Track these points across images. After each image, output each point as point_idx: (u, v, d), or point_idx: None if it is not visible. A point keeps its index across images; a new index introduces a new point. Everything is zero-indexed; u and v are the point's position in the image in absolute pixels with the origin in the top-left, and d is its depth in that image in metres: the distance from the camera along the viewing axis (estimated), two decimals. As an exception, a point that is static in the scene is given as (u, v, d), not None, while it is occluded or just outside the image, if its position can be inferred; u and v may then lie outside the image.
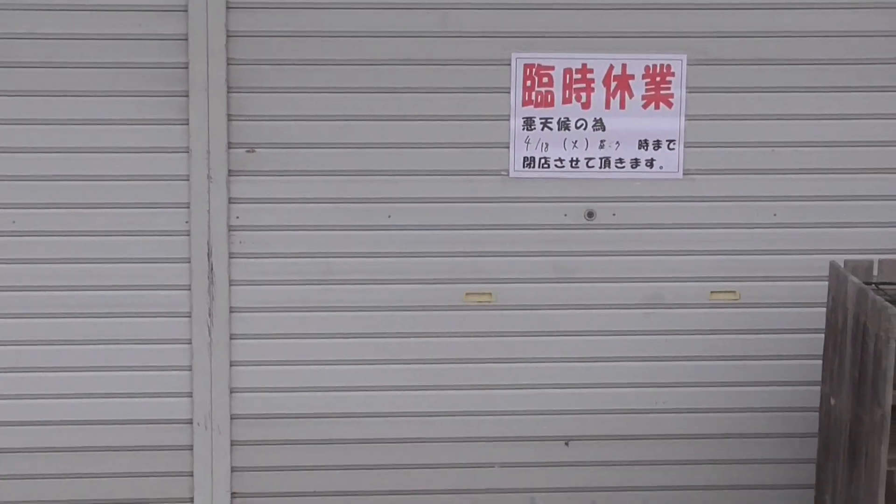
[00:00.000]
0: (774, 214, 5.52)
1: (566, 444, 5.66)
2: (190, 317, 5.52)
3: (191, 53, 5.48)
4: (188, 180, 5.49)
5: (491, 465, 5.61)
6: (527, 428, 5.68)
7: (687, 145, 5.42)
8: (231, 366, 5.66)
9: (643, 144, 5.43)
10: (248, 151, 5.35)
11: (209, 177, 5.42)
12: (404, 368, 5.60)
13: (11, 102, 5.41)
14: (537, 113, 5.42)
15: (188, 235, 5.48)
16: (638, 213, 5.51)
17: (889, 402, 4.49)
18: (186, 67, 5.55)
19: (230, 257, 5.52)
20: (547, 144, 5.41)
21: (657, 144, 5.43)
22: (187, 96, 5.51)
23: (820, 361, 5.30)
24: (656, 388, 5.71)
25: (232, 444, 5.67)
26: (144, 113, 5.55)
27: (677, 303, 5.57)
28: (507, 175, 5.48)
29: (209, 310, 5.46)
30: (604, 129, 5.42)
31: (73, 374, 5.54)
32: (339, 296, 5.55)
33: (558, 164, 5.49)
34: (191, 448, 5.57)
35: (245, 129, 5.38)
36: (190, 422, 5.57)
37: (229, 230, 5.46)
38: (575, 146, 5.43)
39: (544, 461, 5.73)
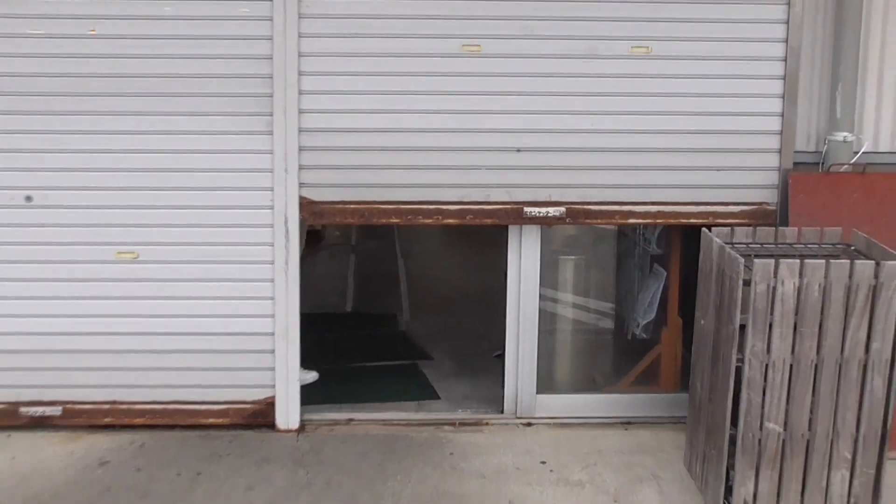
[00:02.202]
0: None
1: (518, 150, 5.60)
2: (273, 264, 5.56)
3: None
4: (272, 172, 5.51)
5: (478, 167, 5.59)
6: (497, 141, 5.56)
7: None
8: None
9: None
10: None
11: (286, 170, 5.48)
12: (419, 97, 5.51)
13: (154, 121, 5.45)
14: None
15: (271, 209, 5.52)
16: None
17: (738, 321, 4.74)
18: (271, 96, 5.48)
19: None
20: None
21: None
22: (272, 115, 5.48)
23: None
24: (591, 115, 5.57)
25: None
26: (241, 126, 5.50)
27: (607, 55, 5.52)
28: None
29: (286, 259, 5.55)
30: None
31: (191, 301, 5.61)
32: (373, 45, 5.48)
33: None
34: (272, 352, 5.64)
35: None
36: (272, 334, 5.63)
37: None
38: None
39: (510, 164, 5.59)
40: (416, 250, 8.63)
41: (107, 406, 5.65)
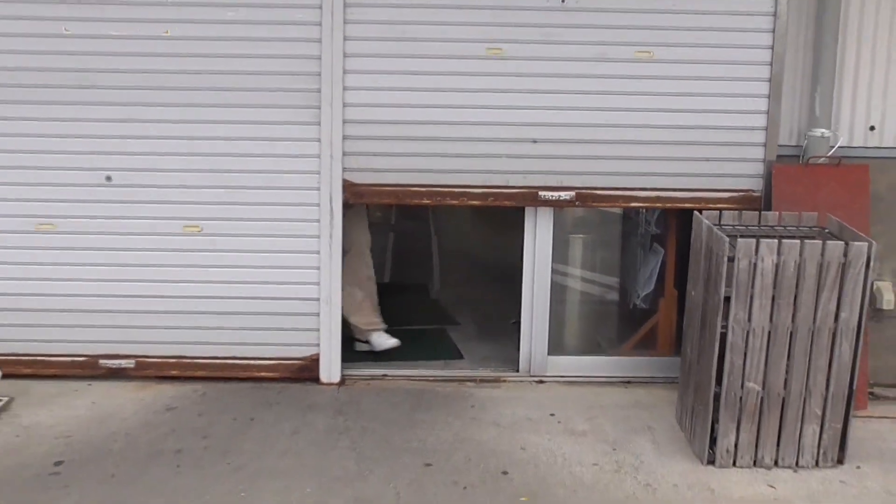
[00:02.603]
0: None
1: (534, 141, 5.60)
2: (318, 238, 5.59)
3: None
4: (319, 158, 5.54)
5: (499, 156, 5.62)
6: (516, 133, 5.59)
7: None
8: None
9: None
10: None
11: (331, 156, 5.53)
12: (448, 94, 5.55)
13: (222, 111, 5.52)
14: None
15: (318, 190, 5.56)
16: (594, 1, 5.48)
17: (723, 292, 4.77)
18: (319, 91, 5.51)
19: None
20: None
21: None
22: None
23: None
24: (599, 111, 5.58)
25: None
26: (293, 118, 5.54)
27: (614, 58, 5.52)
28: None
29: (330, 234, 5.59)
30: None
31: (247, 270, 5.64)
32: (409, 48, 5.50)
33: None
34: (317, 315, 5.67)
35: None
36: (318, 300, 5.66)
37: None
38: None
39: (527, 154, 5.61)
40: (447, 230, 8.55)
41: (173, 360, 5.71)
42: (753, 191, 5.72)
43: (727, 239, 4.80)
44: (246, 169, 5.60)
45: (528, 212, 5.81)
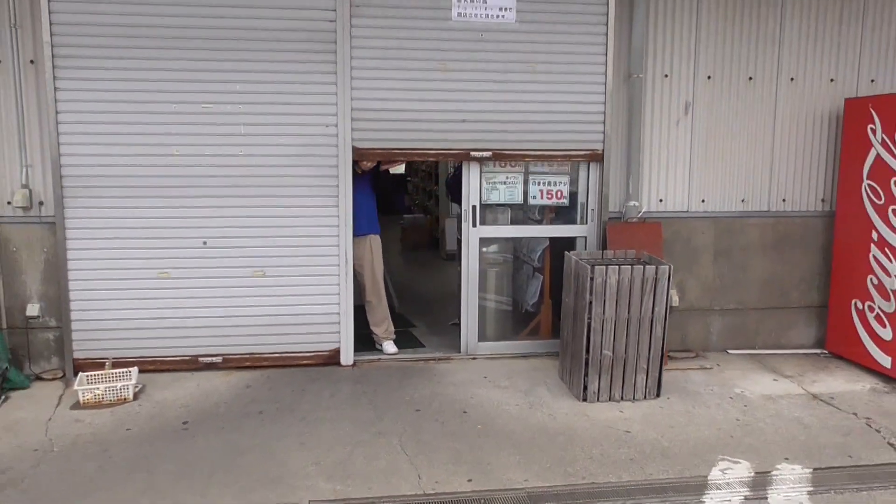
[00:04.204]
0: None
1: (463, 121, 5.49)
2: (338, 276, 5.62)
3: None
4: (337, 227, 5.56)
5: (445, 131, 5.50)
6: (454, 116, 5.49)
7: (517, 11, 5.43)
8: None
9: (502, 8, 5.42)
10: None
11: (346, 224, 5.53)
12: (415, 92, 5.42)
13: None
14: (464, -5, 5.33)
15: (338, 246, 5.59)
16: (500, 35, 5.44)
17: (587, 298, 4.97)
18: (337, 186, 5.52)
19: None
20: (466, 6, 5.41)
21: (507, 8, 5.42)
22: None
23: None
24: (506, 103, 5.49)
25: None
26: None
27: (516, 71, 5.44)
28: (451, 20, 5.42)
29: (345, 272, 5.61)
30: (485, 3, 5.41)
31: (295, 297, 5.61)
32: (396, 65, 5.33)
33: (472, 16, 5.41)
34: (338, 322, 5.68)
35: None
36: (338, 313, 5.67)
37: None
38: (476, 8, 5.41)
39: (461, 129, 5.52)
40: (392, 269, 8.44)
41: (247, 355, 5.68)
42: (597, 150, 5.77)
43: (589, 266, 5.10)
44: (293, 234, 5.60)
45: (465, 166, 5.69)
